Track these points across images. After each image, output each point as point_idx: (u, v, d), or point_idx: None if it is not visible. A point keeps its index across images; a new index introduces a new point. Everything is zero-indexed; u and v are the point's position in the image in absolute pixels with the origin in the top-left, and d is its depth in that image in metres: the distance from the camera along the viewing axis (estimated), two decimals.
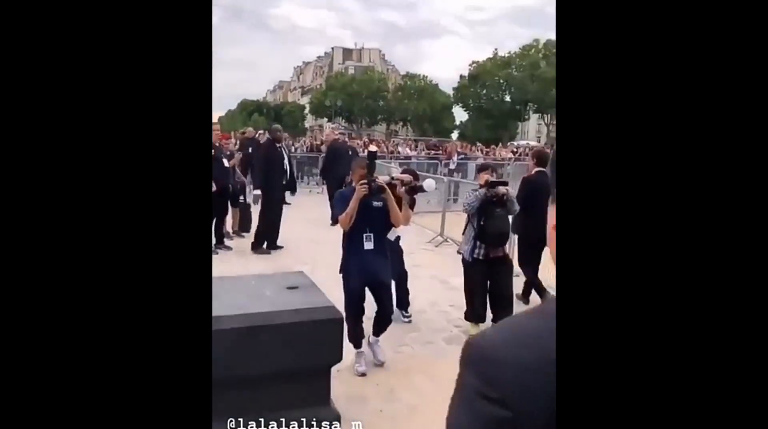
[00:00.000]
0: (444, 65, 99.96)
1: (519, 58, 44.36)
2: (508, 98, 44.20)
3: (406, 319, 4.31)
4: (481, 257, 3.97)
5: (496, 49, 50.72)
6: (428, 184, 3.84)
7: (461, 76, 45.81)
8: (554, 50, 44.61)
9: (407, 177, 3.84)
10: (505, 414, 0.57)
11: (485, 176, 4.10)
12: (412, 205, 3.82)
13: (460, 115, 49.75)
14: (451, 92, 47.16)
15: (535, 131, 52.12)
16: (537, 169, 4.67)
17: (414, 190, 3.78)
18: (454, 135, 43.60)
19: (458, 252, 4.34)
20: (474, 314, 4.06)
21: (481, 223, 3.91)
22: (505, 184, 4.05)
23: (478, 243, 3.96)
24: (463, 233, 4.19)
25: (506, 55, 45.18)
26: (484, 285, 4.02)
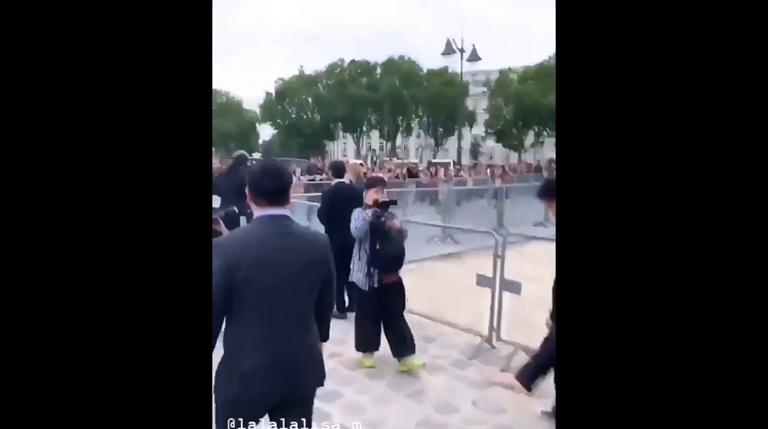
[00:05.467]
0: (238, 83, 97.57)
1: (325, 77, 44.75)
2: (318, 117, 43.57)
3: None
4: (375, 285, 3.55)
5: (301, 67, 48.07)
6: None
7: (267, 93, 45.32)
8: (358, 70, 44.93)
9: None
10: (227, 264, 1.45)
11: (374, 194, 3.60)
12: None
13: (263, 133, 49.28)
14: (256, 110, 46.61)
15: (353, 151, 47.20)
16: (336, 180, 4.77)
17: None
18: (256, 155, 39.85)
19: (350, 280, 3.76)
20: (367, 343, 3.67)
21: (376, 246, 3.51)
22: (395, 203, 3.73)
23: (371, 269, 3.53)
24: (358, 259, 3.64)
25: (312, 73, 45.18)
26: (378, 314, 3.62)
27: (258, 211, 1.69)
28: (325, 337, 1.95)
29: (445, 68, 44.23)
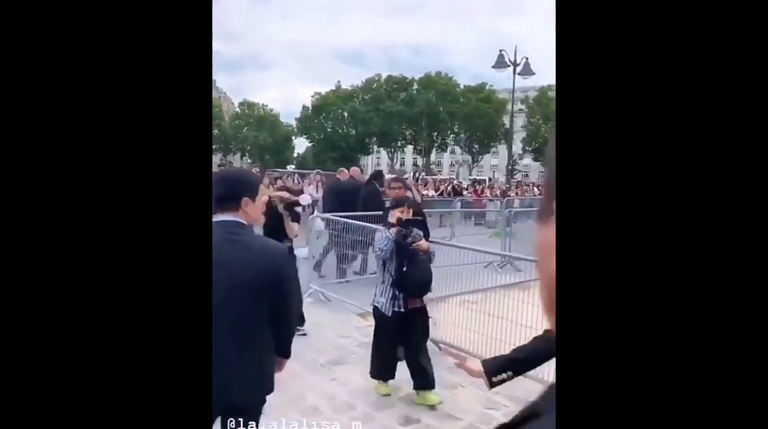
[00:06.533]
0: (276, 96, 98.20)
1: (362, 92, 43.87)
2: (353, 131, 42.94)
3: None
4: (402, 309, 3.29)
5: (339, 82, 47.76)
6: (303, 198, 4.49)
7: (304, 107, 44.95)
8: (395, 86, 43.04)
9: (285, 194, 4.30)
10: None
11: (398, 213, 3.36)
12: (296, 219, 4.30)
13: (299, 147, 49.05)
14: (292, 123, 47.06)
15: (387, 166, 45.12)
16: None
17: (291, 205, 4.17)
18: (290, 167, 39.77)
19: (372, 304, 3.54)
20: (384, 370, 3.46)
21: (403, 269, 3.27)
22: (421, 220, 3.56)
23: (396, 292, 3.27)
24: (382, 282, 3.41)
25: (350, 87, 44.43)
26: (398, 341, 3.36)
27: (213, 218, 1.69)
28: (283, 353, 1.90)
29: (483, 84, 43.99)
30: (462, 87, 43.97)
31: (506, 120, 44.33)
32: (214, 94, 59.37)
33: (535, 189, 17.17)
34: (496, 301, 4.99)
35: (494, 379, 1.54)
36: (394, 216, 3.37)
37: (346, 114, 43.91)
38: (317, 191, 10.84)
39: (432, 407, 3.30)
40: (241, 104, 51.16)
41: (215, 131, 44.23)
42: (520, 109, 43.69)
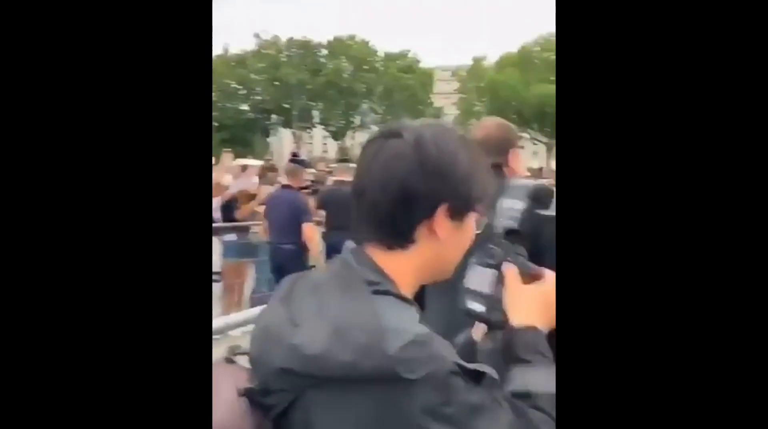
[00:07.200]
0: None
1: (256, 58, 35.02)
2: (245, 107, 35.51)
3: None
4: None
5: (226, 44, 35.71)
6: None
7: None
8: (301, 50, 35.81)
9: None
10: None
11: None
12: None
13: None
14: None
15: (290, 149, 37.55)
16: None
17: None
18: None
19: None
20: None
21: None
22: None
23: None
24: None
25: (240, 52, 35.11)
26: None
27: None
28: None
29: (405, 51, 37.02)
30: (381, 54, 36.58)
31: (436, 100, 37.61)
32: None
33: None
34: None
35: None
36: None
37: (234, 84, 34.59)
38: None
39: None
40: None
41: None
42: (453, 90, 37.13)
